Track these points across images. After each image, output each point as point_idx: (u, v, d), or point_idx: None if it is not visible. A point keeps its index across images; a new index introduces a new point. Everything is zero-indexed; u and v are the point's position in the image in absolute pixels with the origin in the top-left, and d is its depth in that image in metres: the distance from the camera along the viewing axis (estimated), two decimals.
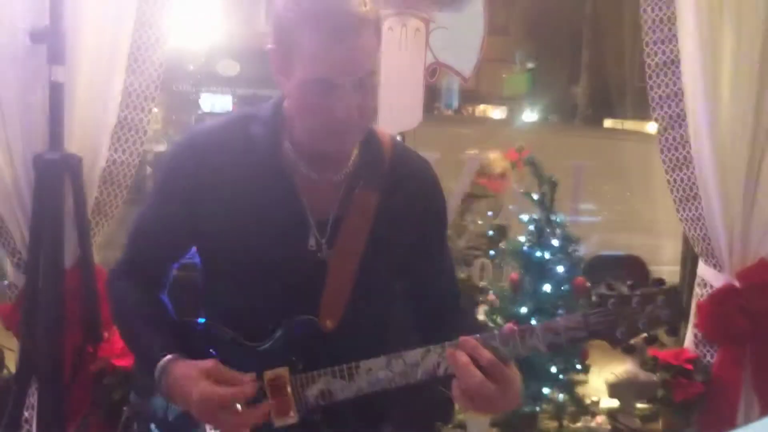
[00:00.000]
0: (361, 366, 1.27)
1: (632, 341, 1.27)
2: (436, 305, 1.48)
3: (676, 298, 1.25)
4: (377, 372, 1.27)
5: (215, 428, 1.32)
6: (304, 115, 1.30)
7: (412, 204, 1.43)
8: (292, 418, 1.29)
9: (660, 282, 1.26)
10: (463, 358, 1.20)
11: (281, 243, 1.34)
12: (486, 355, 1.21)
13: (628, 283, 1.28)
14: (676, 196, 2.95)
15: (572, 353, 2.85)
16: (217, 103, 14.58)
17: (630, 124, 12.32)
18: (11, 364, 2.70)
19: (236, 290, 1.38)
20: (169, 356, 1.31)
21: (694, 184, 2.88)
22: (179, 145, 1.44)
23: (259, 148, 1.36)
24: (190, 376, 1.27)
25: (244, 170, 1.35)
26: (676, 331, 1.30)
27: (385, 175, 1.41)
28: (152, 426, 1.40)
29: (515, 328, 1.25)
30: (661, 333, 4.21)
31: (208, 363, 1.29)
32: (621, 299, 1.24)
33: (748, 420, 2.85)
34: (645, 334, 1.28)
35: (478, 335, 1.24)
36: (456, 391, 1.22)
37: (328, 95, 1.24)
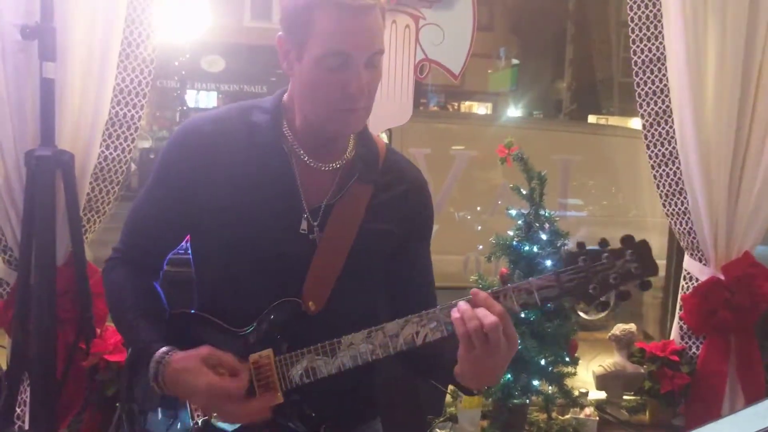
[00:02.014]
0: (343, 341, 1.31)
1: (605, 299, 1.26)
2: (414, 302, 1.50)
3: (645, 251, 1.25)
4: (358, 345, 1.30)
5: (217, 417, 1.35)
6: (316, 95, 1.33)
7: (402, 202, 1.47)
8: (278, 398, 1.32)
9: (629, 238, 1.26)
10: (476, 305, 1.22)
11: (274, 225, 1.37)
12: (498, 305, 1.23)
13: (599, 240, 1.28)
14: (661, 191, 3.00)
15: (561, 346, 2.88)
16: (201, 98, 14.55)
17: (614, 120, 12.42)
18: (2, 360, 2.70)
19: (227, 274, 1.41)
20: (164, 348, 1.33)
21: (679, 179, 2.92)
22: (179, 131, 1.45)
23: (260, 133, 1.39)
24: (192, 367, 1.29)
25: (244, 154, 1.38)
26: (647, 284, 1.29)
27: (379, 172, 1.45)
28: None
29: (489, 291, 1.26)
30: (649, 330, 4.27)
31: (203, 351, 1.31)
32: (591, 256, 1.24)
33: (733, 410, 2.90)
34: (618, 290, 1.26)
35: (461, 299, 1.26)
36: (465, 340, 1.22)
37: (342, 69, 1.29)
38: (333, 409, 1.38)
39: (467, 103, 15.01)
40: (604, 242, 1.26)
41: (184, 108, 12.51)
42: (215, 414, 1.34)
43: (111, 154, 2.59)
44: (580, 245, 1.26)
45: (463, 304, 1.24)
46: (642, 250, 1.25)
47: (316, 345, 1.32)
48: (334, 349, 1.31)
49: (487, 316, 1.21)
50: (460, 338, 1.24)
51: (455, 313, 1.24)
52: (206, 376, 1.28)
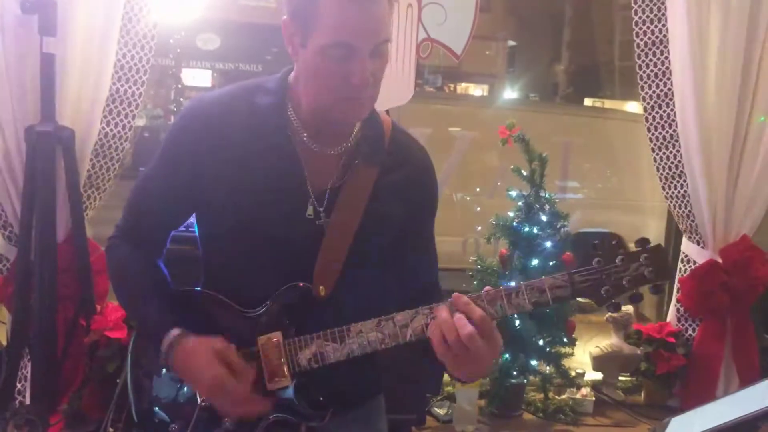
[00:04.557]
0: (352, 328, 1.30)
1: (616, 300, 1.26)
2: (417, 286, 1.50)
3: (660, 255, 1.24)
4: (368, 334, 1.29)
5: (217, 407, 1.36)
6: (319, 83, 1.31)
7: (408, 184, 1.46)
8: (286, 380, 1.33)
9: (644, 241, 1.24)
10: (456, 312, 1.22)
11: (280, 210, 1.37)
12: (478, 311, 1.22)
13: (613, 242, 1.28)
14: (661, 174, 3.00)
15: (559, 327, 2.90)
16: (196, 77, 14.41)
17: (610, 104, 12.42)
18: (2, 336, 2.70)
19: (234, 257, 1.40)
20: (176, 331, 1.33)
21: (679, 162, 2.93)
22: (185, 111, 1.43)
23: (264, 117, 1.37)
24: (203, 357, 1.29)
25: (248, 138, 1.36)
26: (660, 288, 1.30)
27: (385, 153, 1.44)
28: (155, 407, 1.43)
29: (501, 287, 1.26)
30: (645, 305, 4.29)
31: (219, 344, 1.30)
32: (605, 258, 1.23)
33: (727, 392, 2.93)
34: (630, 293, 1.26)
35: (467, 295, 1.26)
36: (441, 348, 1.22)
37: (346, 60, 1.26)
38: (339, 391, 1.39)
39: (464, 84, 14.94)
40: (619, 243, 1.26)
41: (179, 86, 12.37)
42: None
43: (111, 130, 2.57)
44: (595, 247, 1.25)
45: (442, 312, 1.23)
46: (657, 254, 1.24)
47: (325, 330, 1.31)
48: (343, 336, 1.31)
49: (465, 327, 1.20)
50: (435, 347, 1.23)
51: (433, 325, 1.24)
52: (214, 369, 1.28)
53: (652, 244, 1.26)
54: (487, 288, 1.27)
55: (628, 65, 3.00)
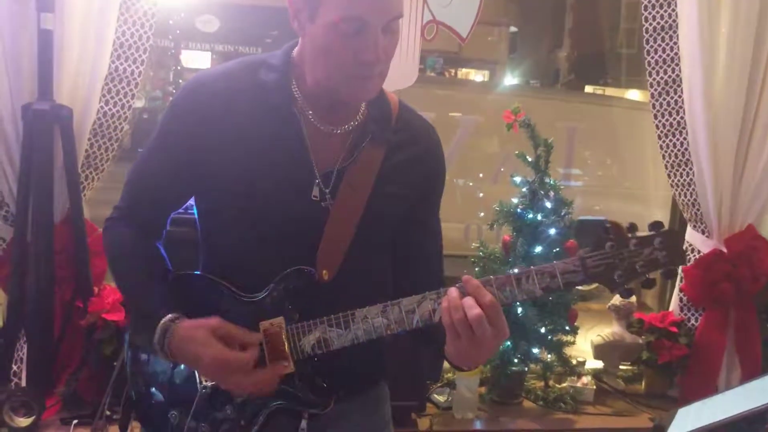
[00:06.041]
0: (357, 314, 1.26)
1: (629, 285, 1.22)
2: (422, 270, 1.48)
3: (674, 240, 1.22)
4: (373, 319, 1.26)
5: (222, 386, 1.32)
6: (329, 59, 1.27)
7: (415, 164, 1.43)
8: (289, 367, 1.30)
9: (658, 225, 1.21)
10: (466, 293, 1.19)
11: (285, 191, 1.33)
12: (488, 295, 1.18)
13: (626, 225, 1.24)
14: (667, 161, 2.96)
15: (561, 315, 2.87)
16: (196, 58, 14.33)
17: (611, 91, 12.37)
18: None
19: (235, 240, 1.36)
20: (171, 315, 1.29)
21: (686, 149, 2.89)
22: (186, 86, 1.39)
23: (269, 94, 1.33)
24: (199, 337, 1.26)
25: (252, 115, 1.32)
26: (673, 273, 1.27)
27: (392, 132, 1.40)
28: (152, 389, 1.39)
29: (511, 272, 1.23)
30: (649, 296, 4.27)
31: (213, 321, 1.27)
32: (618, 242, 1.20)
33: (729, 382, 2.91)
34: (643, 278, 1.22)
35: (477, 279, 1.23)
36: (450, 330, 1.19)
37: (358, 35, 1.23)
38: (343, 378, 1.36)
39: (464, 70, 14.86)
40: (633, 227, 1.22)
41: (178, 68, 12.30)
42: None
43: (110, 110, 2.52)
44: (607, 231, 1.22)
45: (452, 292, 1.20)
46: (671, 238, 1.21)
47: (329, 315, 1.28)
48: (348, 322, 1.28)
49: (473, 308, 1.17)
50: (445, 327, 1.20)
51: (444, 302, 1.20)
52: (213, 347, 1.24)
53: (664, 228, 1.22)
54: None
55: (630, 53, 2.94)
